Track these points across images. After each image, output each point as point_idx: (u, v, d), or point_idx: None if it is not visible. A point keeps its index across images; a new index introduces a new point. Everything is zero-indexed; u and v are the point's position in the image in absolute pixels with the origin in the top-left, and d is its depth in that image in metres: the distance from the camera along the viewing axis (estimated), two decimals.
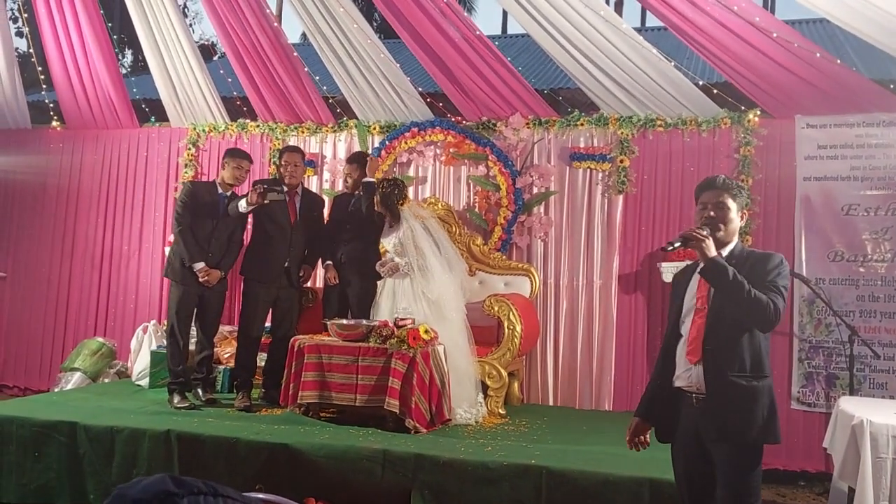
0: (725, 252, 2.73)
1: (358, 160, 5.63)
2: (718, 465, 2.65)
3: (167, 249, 6.48)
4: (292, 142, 6.61)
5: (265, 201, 4.99)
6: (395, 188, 5.16)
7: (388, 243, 5.19)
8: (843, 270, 5.28)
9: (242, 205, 5.04)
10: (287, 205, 5.24)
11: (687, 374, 2.74)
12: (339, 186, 6.37)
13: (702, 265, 2.62)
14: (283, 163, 5.33)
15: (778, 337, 5.19)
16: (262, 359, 5.42)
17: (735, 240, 2.79)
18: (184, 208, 5.15)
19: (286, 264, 5.20)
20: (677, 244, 2.69)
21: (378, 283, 5.21)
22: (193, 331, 5.34)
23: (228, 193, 5.24)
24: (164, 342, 5.80)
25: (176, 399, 4.95)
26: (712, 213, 2.76)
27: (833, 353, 5.25)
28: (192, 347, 5.39)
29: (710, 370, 2.65)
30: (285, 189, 5.21)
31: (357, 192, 5.44)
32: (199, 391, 5.20)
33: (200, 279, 5.08)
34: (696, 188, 2.93)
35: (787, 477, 5.15)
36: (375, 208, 5.17)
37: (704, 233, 2.65)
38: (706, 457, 2.70)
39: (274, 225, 5.21)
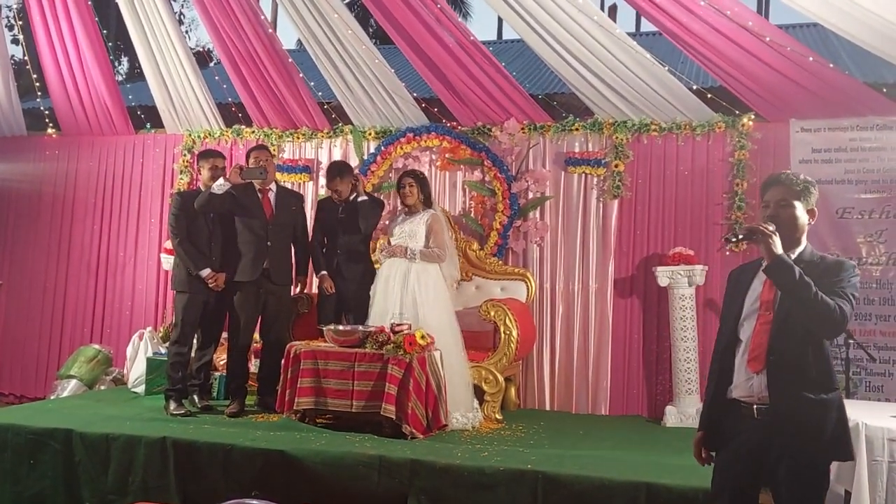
0: (794, 255, 2.52)
1: (350, 174, 5.50)
2: (780, 484, 2.46)
3: (163, 256, 6.50)
4: (288, 148, 6.63)
5: (243, 180, 4.97)
6: (425, 178, 5.36)
7: (399, 230, 5.19)
8: None
9: (217, 184, 4.98)
10: (261, 201, 5.21)
11: (748, 383, 2.54)
12: None
13: (766, 262, 2.43)
14: (251, 162, 5.28)
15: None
16: (255, 365, 5.42)
17: (804, 242, 2.58)
18: (177, 220, 5.16)
19: (266, 264, 5.13)
20: (740, 236, 2.51)
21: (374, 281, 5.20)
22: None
23: None
24: (162, 349, 5.82)
25: (172, 406, 4.95)
26: (774, 213, 2.56)
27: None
28: (192, 354, 5.40)
29: (775, 381, 2.45)
30: (265, 176, 5.12)
31: (352, 197, 5.40)
32: (196, 398, 5.20)
33: (210, 285, 5.09)
34: (761, 185, 2.72)
35: None
36: (410, 200, 5.21)
37: (771, 228, 2.44)
38: (757, 474, 2.54)
39: (248, 224, 5.15)
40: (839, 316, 2.38)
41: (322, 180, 6.56)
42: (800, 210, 2.57)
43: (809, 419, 2.43)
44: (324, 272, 5.40)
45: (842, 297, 2.41)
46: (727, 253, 5.50)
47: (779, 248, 2.42)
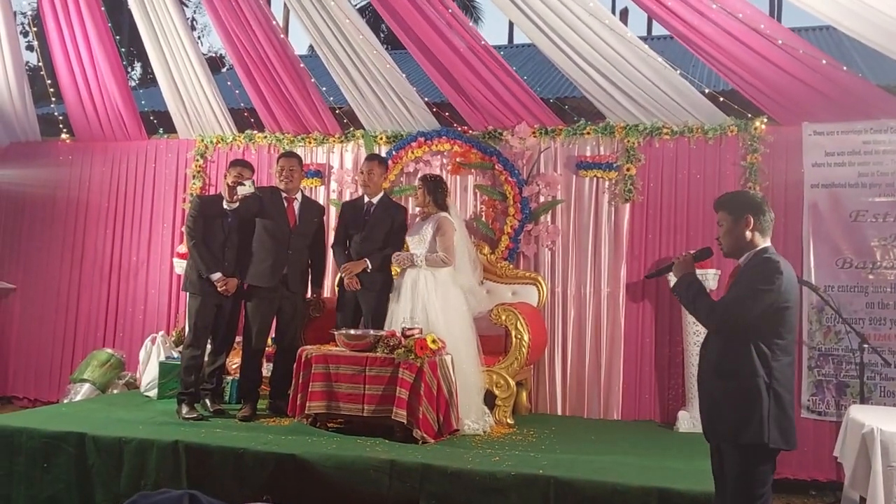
0: (744, 260, 2.94)
1: (384, 164, 5.64)
2: (723, 465, 2.92)
3: (175, 261, 6.53)
4: (300, 152, 6.63)
5: (237, 195, 5.04)
6: (441, 179, 5.40)
7: (411, 237, 5.21)
8: (852, 277, 5.25)
9: (224, 203, 5.11)
10: (286, 209, 5.25)
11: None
12: (347, 196, 6.39)
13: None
14: (279, 168, 5.34)
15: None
16: (269, 370, 5.43)
17: (755, 249, 2.92)
18: (194, 222, 5.22)
19: (284, 271, 5.16)
20: (657, 271, 3.39)
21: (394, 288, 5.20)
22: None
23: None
24: (174, 353, 5.86)
25: (184, 410, 4.97)
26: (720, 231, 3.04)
27: (843, 361, 5.22)
28: (205, 358, 5.43)
29: (699, 372, 3.02)
30: (251, 183, 5.16)
31: (381, 194, 5.48)
32: (208, 402, 5.22)
33: (219, 289, 5.12)
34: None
35: (797, 486, 5.11)
36: (417, 203, 5.28)
37: (681, 257, 3.07)
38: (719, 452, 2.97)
39: (271, 229, 5.19)
40: (709, 313, 2.87)
41: (333, 185, 6.59)
42: (729, 223, 2.97)
43: (717, 403, 2.85)
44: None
45: (739, 290, 2.82)
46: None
47: (677, 276, 3.04)
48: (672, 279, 3.19)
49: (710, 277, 5.34)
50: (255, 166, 6.60)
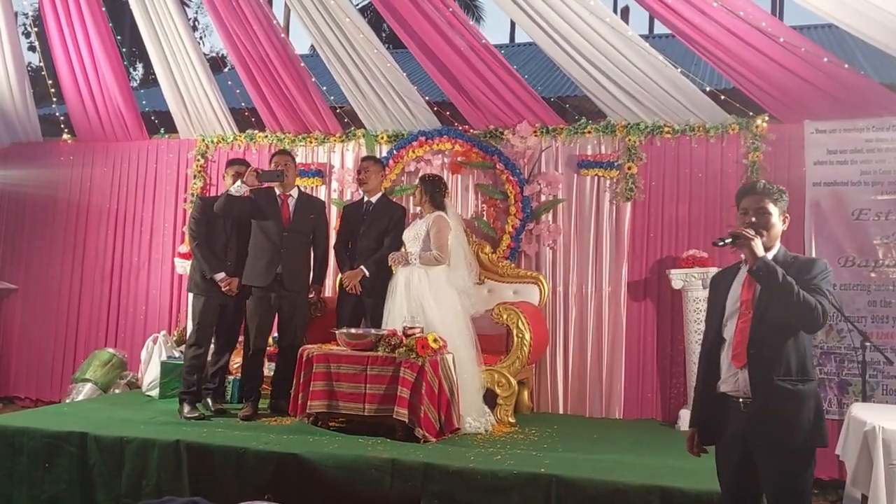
0: (769, 256, 2.71)
1: (379, 164, 5.67)
2: (765, 471, 2.64)
3: (177, 260, 6.54)
4: (300, 152, 6.64)
5: (260, 183, 4.99)
6: (440, 179, 5.40)
7: (408, 234, 5.21)
8: (855, 276, 5.24)
9: (235, 186, 5.02)
10: (280, 207, 5.23)
11: (732, 378, 2.73)
12: (348, 196, 6.39)
13: (749, 266, 2.64)
14: (273, 165, 5.32)
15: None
16: (271, 369, 5.43)
17: (778, 244, 2.79)
18: (197, 223, 5.23)
19: (279, 269, 5.13)
20: (728, 240, 2.69)
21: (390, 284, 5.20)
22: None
23: None
24: (175, 353, 5.86)
25: (186, 409, 4.96)
26: (754, 219, 2.76)
27: (845, 359, 5.21)
28: (208, 358, 5.43)
29: (756, 374, 2.64)
30: (283, 179, 5.14)
31: (381, 194, 5.52)
32: (209, 401, 5.22)
33: (223, 289, 5.13)
34: (736, 193, 2.92)
35: None
36: (414, 202, 5.32)
37: (752, 232, 2.67)
38: (752, 462, 2.69)
39: (265, 228, 5.17)
40: (820, 313, 2.56)
41: (335, 184, 6.59)
42: (776, 216, 2.78)
43: (787, 408, 2.61)
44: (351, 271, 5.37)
45: (820, 294, 2.59)
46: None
47: (761, 250, 2.64)
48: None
49: (710, 276, 5.32)
50: (256, 166, 6.64)
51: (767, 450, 2.62)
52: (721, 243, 2.71)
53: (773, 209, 2.77)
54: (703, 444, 2.88)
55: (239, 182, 5.03)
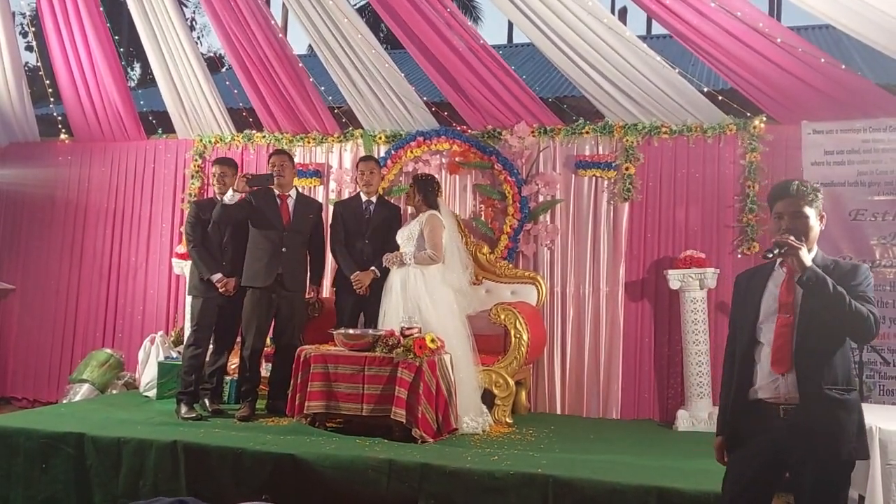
0: (820, 261, 2.56)
1: (378, 162, 5.66)
2: (804, 481, 2.50)
3: (174, 261, 6.54)
4: (298, 152, 6.64)
5: (251, 188, 4.98)
6: (432, 178, 5.42)
7: (401, 234, 5.21)
8: None
9: (228, 195, 5.03)
10: (279, 207, 5.23)
11: (773, 384, 2.57)
12: (346, 195, 6.38)
13: (798, 277, 2.46)
14: (269, 166, 5.33)
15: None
16: (268, 370, 5.43)
17: (815, 248, 2.61)
18: (192, 227, 5.28)
19: (279, 270, 5.13)
20: (776, 251, 2.51)
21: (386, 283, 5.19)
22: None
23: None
24: (173, 353, 5.86)
25: (183, 409, 4.97)
26: (790, 225, 2.59)
27: None
28: (206, 358, 5.44)
29: (804, 382, 2.50)
30: (275, 181, 5.15)
31: (377, 195, 5.54)
32: (206, 401, 5.22)
33: (220, 290, 5.14)
34: (769, 196, 2.74)
35: None
36: (407, 201, 5.33)
37: (799, 241, 2.50)
38: (777, 473, 2.60)
39: (265, 227, 5.18)
40: (872, 323, 2.44)
41: (333, 184, 6.59)
42: (813, 218, 2.61)
43: (836, 418, 2.48)
44: (359, 273, 5.34)
45: (868, 302, 2.48)
46: (738, 256, 5.50)
47: (809, 260, 2.47)
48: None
49: (708, 276, 5.34)
50: (255, 166, 6.66)
51: (810, 460, 2.47)
52: (770, 255, 2.54)
53: (810, 211, 2.59)
54: (730, 448, 2.71)
55: (231, 191, 5.03)
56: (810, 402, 2.49)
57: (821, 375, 2.49)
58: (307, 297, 5.45)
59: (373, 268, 5.31)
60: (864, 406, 4.38)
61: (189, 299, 5.49)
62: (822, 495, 2.48)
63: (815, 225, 2.61)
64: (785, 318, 2.58)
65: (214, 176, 5.34)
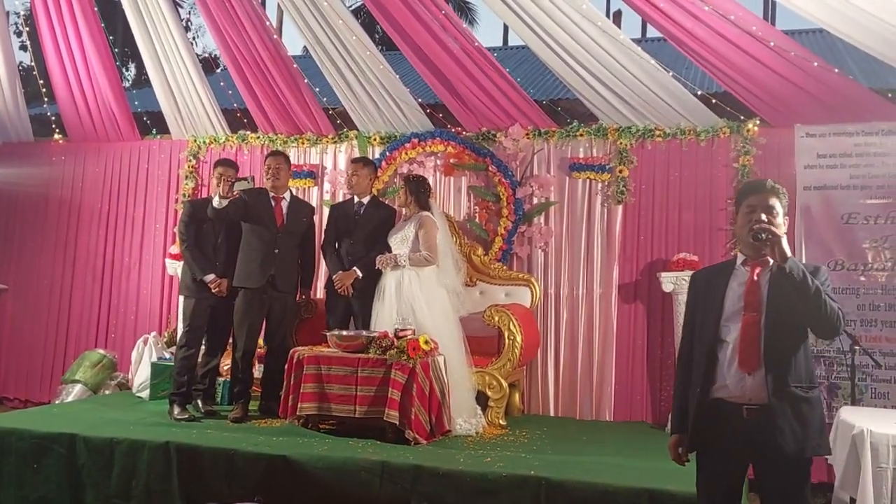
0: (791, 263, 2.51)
1: (370, 166, 5.64)
2: (771, 480, 2.54)
3: (168, 261, 6.53)
4: (293, 153, 6.63)
5: (234, 192, 4.95)
6: (424, 179, 5.42)
7: (394, 236, 5.20)
8: (844, 279, 5.27)
9: (216, 200, 5.01)
10: (273, 209, 5.23)
11: (739, 384, 2.56)
12: (340, 197, 6.38)
13: (778, 264, 2.46)
14: (265, 167, 5.34)
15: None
16: (261, 371, 5.43)
17: None
18: (186, 227, 5.27)
19: (272, 271, 5.13)
20: (762, 237, 2.48)
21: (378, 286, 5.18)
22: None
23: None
24: (166, 354, 5.85)
25: (176, 410, 4.96)
26: (763, 216, 2.57)
27: (834, 362, 5.23)
28: (198, 359, 5.43)
29: (774, 381, 2.50)
30: (253, 179, 5.15)
31: (371, 196, 5.52)
32: (199, 402, 5.22)
33: (213, 290, 5.14)
34: (739, 191, 2.77)
35: None
36: (399, 203, 5.33)
37: (781, 231, 2.51)
38: (743, 471, 2.65)
39: (258, 230, 5.17)
40: (841, 319, 2.49)
41: (327, 185, 6.58)
42: (782, 216, 2.64)
43: (802, 415, 2.51)
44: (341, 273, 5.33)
45: (832, 299, 2.50)
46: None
47: (789, 249, 2.47)
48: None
49: None
50: (249, 167, 6.66)
51: (776, 458, 2.50)
52: (763, 236, 2.48)
53: (780, 208, 2.62)
54: (691, 450, 2.73)
55: (217, 197, 5.01)
56: (778, 400, 2.50)
57: (788, 373, 2.51)
58: (298, 298, 5.45)
59: (354, 268, 5.28)
60: (856, 409, 4.46)
61: (181, 299, 5.48)
62: (789, 492, 2.53)
63: (783, 224, 2.63)
64: (751, 317, 2.58)
65: (216, 177, 5.29)
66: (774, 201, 2.62)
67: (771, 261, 2.53)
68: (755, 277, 2.62)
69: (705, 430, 2.64)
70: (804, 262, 5.20)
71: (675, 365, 2.91)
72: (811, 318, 2.49)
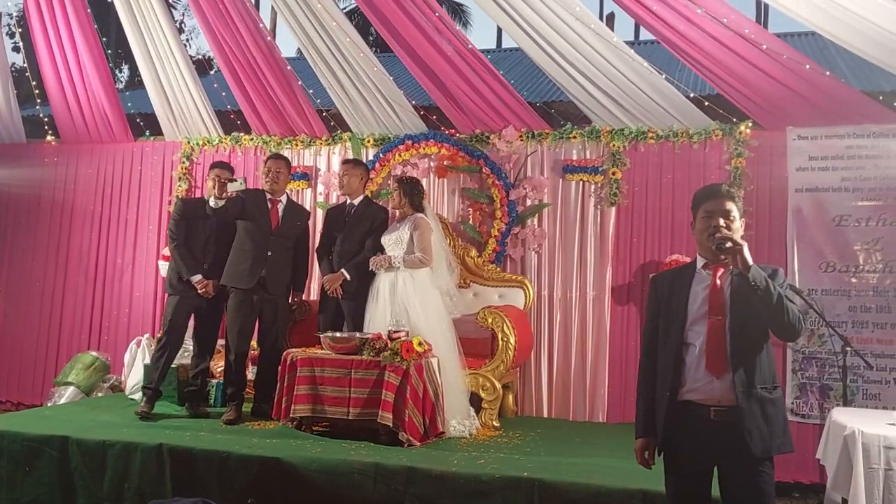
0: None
1: (361, 167, 5.64)
2: (736, 480, 2.59)
3: (161, 263, 6.51)
4: (286, 155, 6.62)
5: (227, 192, 4.93)
6: (417, 181, 5.41)
7: (387, 238, 5.20)
8: (835, 281, 5.29)
9: (211, 201, 5.00)
10: (269, 211, 5.23)
11: (707, 386, 2.60)
12: (334, 199, 6.39)
13: (740, 272, 2.52)
14: (265, 170, 5.34)
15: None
16: (254, 373, 5.42)
17: None
18: (177, 225, 5.26)
19: (263, 273, 5.12)
20: (725, 246, 2.54)
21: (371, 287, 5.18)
22: (191, 345, 5.39)
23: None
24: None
25: (142, 403, 5.02)
26: (722, 222, 2.65)
27: (826, 363, 5.25)
28: (187, 361, 5.42)
29: (741, 383, 2.54)
30: (243, 180, 5.09)
31: (363, 196, 5.52)
32: (188, 404, 5.22)
33: (199, 290, 5.12)
34: (696, 196, 2.82)
35: (781, 488, 5.13)
36: (392, 204, 5.33)
37: (740, 236, 2.59)
38: (710, 472, 2.69)
39: (252, 231, 5.17)
40: (801, 322, 2.56)
41: (320, 187, 6.58)
42: (739, 220, 2.70)
43: (767, 415, 2.56)
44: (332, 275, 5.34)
45: (791, 301, 2.55)
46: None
47: (751, 258, 2.52)
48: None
49: None
50: (243, 169, 6.65)
51: (743, 459, 2.54)
52: (724, 247, 2.55)
53: (737, 212, 2.69)
54: (660, 451, 2.76)
55: (213, 199, 5.00)
56: (747, 402, 2.54)
57: (753, 375, 2.56)
58: (290, 301, 5.45)
59: (342, 270, 5.27)
60: (848, 410, 4.48)
61: (167, 297, 5.46)
62: (758, 491, 2.56)
63: (741, 227, 2.69)
64: (716, 321, 2.62)
65: (212, 179, 5.27)
66: (731, 206, 2.69)
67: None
68: (717, 282, 2.66)
69: (674, 432, 2.68)
70: (796, 263, 5.33)
71: (638, 369, 2.94)
72: (773, 323, 2.55)
